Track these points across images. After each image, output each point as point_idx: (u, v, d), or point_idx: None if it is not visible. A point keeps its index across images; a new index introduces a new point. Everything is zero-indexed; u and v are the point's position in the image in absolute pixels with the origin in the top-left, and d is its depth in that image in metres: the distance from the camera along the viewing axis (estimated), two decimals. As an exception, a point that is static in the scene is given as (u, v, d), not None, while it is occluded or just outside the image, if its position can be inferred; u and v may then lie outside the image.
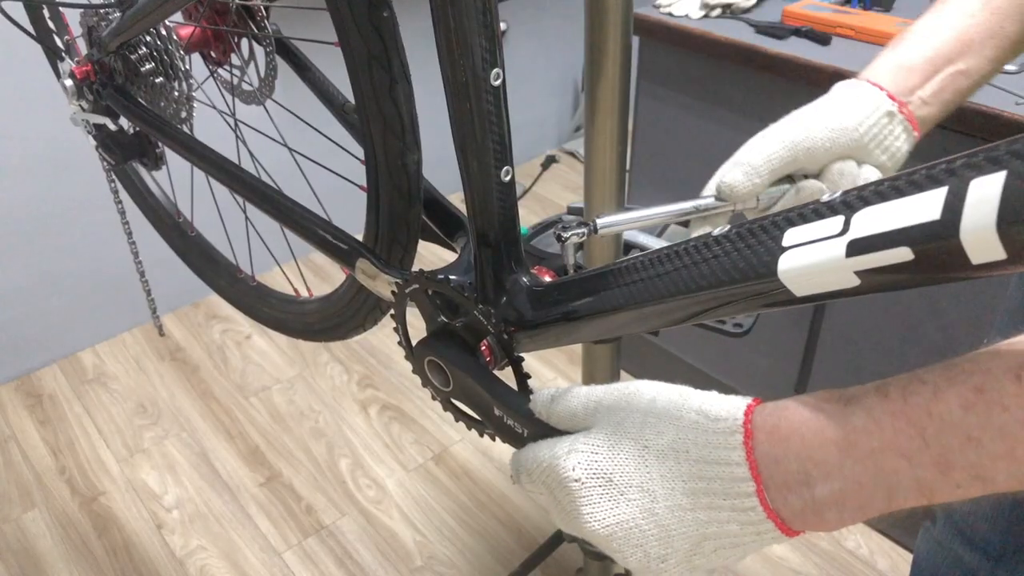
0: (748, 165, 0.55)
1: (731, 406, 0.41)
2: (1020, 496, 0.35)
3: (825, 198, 0.39)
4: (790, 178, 0.58)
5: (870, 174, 0.58)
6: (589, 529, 0.44)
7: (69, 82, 1.00)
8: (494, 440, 0.59)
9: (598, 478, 0.44)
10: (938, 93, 0.59)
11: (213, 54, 0.96)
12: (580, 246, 0.65)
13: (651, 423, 0.43)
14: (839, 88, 0.59)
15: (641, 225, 0.61)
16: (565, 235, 0.59)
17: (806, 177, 0.58)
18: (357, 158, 0.73)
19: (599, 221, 0.59)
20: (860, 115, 0.57)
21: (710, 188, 0.58)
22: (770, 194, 0.57)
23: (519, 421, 0.54)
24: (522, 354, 0.60)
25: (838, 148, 0.56)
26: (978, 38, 0.58)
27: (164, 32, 0.90)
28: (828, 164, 0.57)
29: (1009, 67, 1.22)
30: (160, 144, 1.04)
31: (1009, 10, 0.58)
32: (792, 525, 0.39)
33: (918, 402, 0.35)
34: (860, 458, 0.36)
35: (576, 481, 0.44)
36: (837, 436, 0.37)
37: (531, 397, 0.52)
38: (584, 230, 0.59)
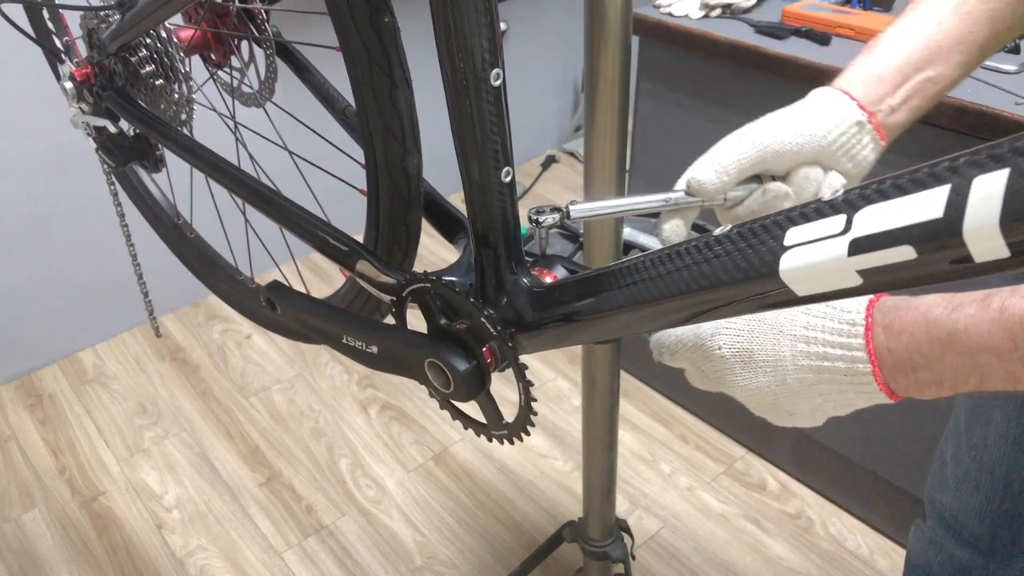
0: (718, 164, 0.58)
1: (855, 302, 0.49)
2: (1007, 492, 0.40)
3: (827, 197, 0.39)
4: (758, 178, 0.60)
5: (835, 180, 0.60)
6: (729, 387, 0.56)
7: (69, 84, 1.00)
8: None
9: (741, 354, 0.54)
10: (907, 100, 0.61)
11: (213, 57, 0.96)
12: (579, 244, 0.65)
13: (787, 313, 0.52)
14: (814, 95, 0.61)
15: (614, 214, 0.62)
16: (540, 219, 0.59)
17: (773, 179, 0.60)
18: (357, 161, 0.73)
19: (572, 208, 0.59)
20: (830, 124, 0.59)
21: (681, 183, 0.60)
22: (736, 193, 0.59)
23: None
24: (523, 355, 0.60)
25: (806, 154, 0.58)
26: (946, 44, 0.60)
27: (164, 34, 0.90)
28: (795, 168, 0.59)
29: (1009, 67, 1.22)
30: (160, 146, 1.04)
31: (978, 16, 0.60)
32: (898, 393, 0.48)
33: (1014, 313, 0.41)
34: (959, 353, 0.44)
35: (722, 357, 0.54)
36: (942, 335, 0.44)
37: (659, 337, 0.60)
38: (558, 215, 0.60)
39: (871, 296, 0.48)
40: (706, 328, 0.55)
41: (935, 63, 0.60)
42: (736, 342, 0.54)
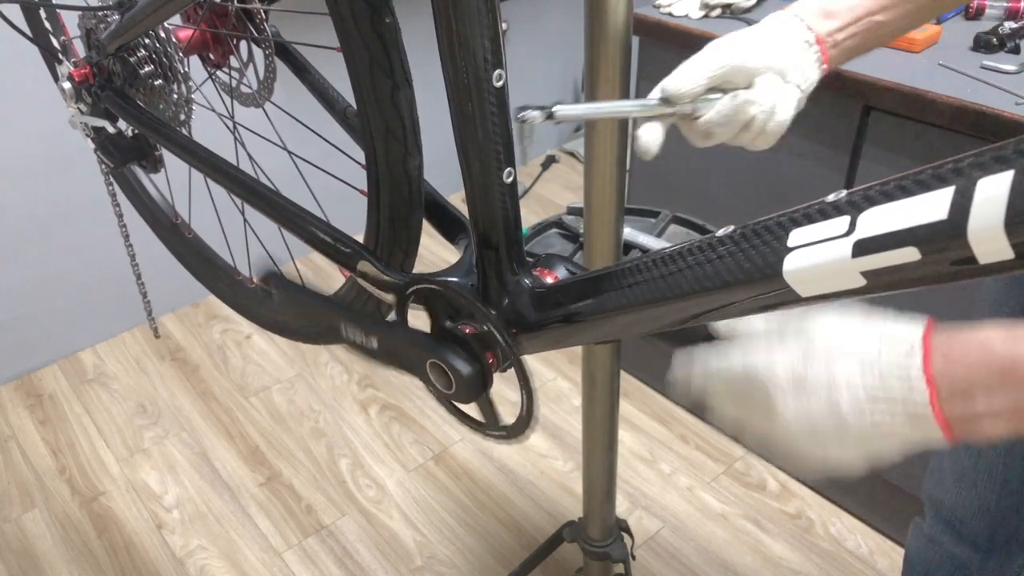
0: (690, 76, 0.62)
1: (911, 327, 0.48)
2: (1005, 490, 0.40)
3: (831, 198, 0.39)
4: (721, 90, 0.64)
5: (787, 86, 0.65)
6: (779, 415, 0.52)
7: (67, 84, 1.00)
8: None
9: (795, 378, 0.51)
10: (852, 38, 0.67)
11: (212, 57, 0.95)
12: (579, 244, 0.65)
13: (838, 337, 0.51)
14: (770, 19, 0.67)
15: (596, 116, 0.63)
16: (524, 116, 0.59)
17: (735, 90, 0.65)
18: (357, 162, 0.73)
19: (557, 108, 0.59)
20: (788, 44, 0.65)
21: (655, 92, 0.63)
22: (706, 100, 0.63)
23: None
24: (524, 355, 0.60)
25: (764, 67, 0.64)
26: None
27: (163, 35, 0.90)
28: (755, 80, 0.64)
29: (1009, 67, 1.22)
30: (159, 147, 1.04)
31: None
32: (954, 430, 0.47)
33: None
34: (1016, 382, 0.43)
35: (774, 378, 0.52)
36: (1003, 365, 0.44)
37: (691, 367, 0.57)
38: (541, 113, 0.59)
39: (925, 321, 0.48)
40: (757, 355, 0.54)
41: (886, 10, 0.66)
42: (790, 368, 0.52)
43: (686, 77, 0.62)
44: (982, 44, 1.29)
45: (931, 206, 0.33)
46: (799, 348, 0.52)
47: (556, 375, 2.00)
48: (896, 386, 0.47)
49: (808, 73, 0.66)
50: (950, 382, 0.46)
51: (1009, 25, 1.30)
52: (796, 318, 0.53)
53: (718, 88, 0.63)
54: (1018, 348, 0.44)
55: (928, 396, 0.46)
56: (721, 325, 0.57)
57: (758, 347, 0.54)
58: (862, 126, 1.29)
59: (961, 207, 0.32)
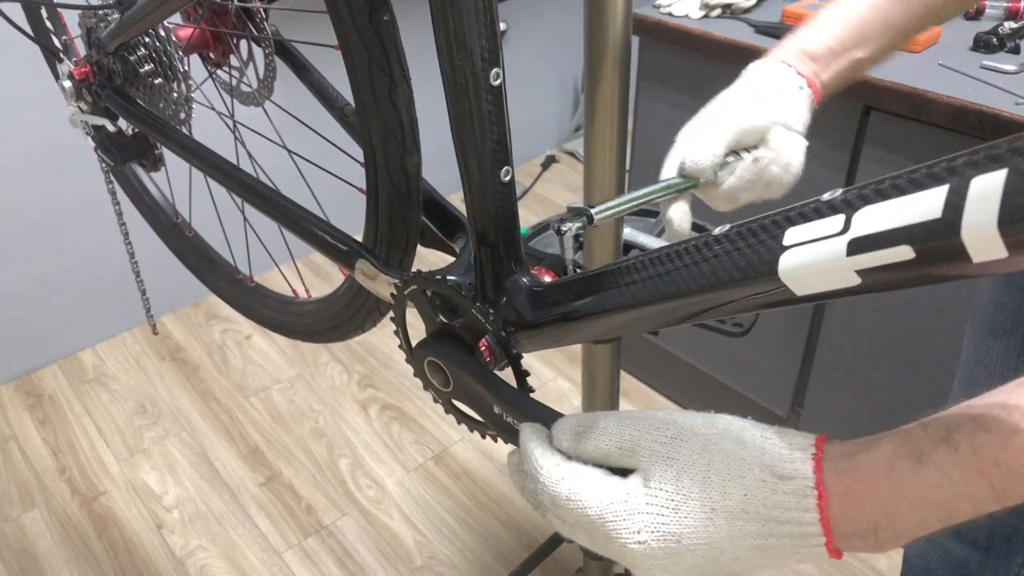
0: (707, 147, 0.62)
1: (798, 462, 0.42)
2: None
3: (825, 197, 0.39)
4: (734, 152, 0.65)
5: (795, 136, 0.66)
6: (642, 572, 0.45)
7: (68, 83, 1.00)
8: (496, 441, 0.59)
9: (665, 540, 0.43)
10: (835, 76, 0.68)
11: (212, 55, 0.95)
12: (578, 239, 0.65)
13: (715, 483, 0.43)
14: (757, 68, 0.68)
15: (630, 208, 0.62)
16: (563, 227, 0.59)
17: (748, 151, 0.65)
18: (357, 161, 0.73)
19: (594, 210, 0.59)
20: (781, 91, 0.66)
21: (670, 169, 0.64)
22: (728, 166, 0.63)
23: (519, 419, 0.54)
24: (522, 354, 0.60)
25: (770, 123, 0.65)
26: (878, 29, 0.67)
27: (163, 33, 0.90)
28: (765, 136, 0.65)
29: (1009, 67, 1.22)
30: (159, 145, 1.04)
31: (913, 3, 0.67)
32: (849, 551, 0.42)
33: (986, 454, 0.37)
34: (930, 508, 0.39)
35: (640, 544, 0.43)
36: (911, 495, 0.39)
37: (552, 431, 0.49)
38: (582, 221, 0.59)
39: (812, 448, 0.42)
40: (615, 497, 0.44)
41: (864, 45, 0.67)
42: (659, 524, 0.43)
43: (703, 151, 0.62)
44: (982, 44, 1.29)
45: (925, 205, 0.33)
46: (667, 495, 0.43)
47: (556, 375, 2.00)
48: (787, 536, 0.42)
49: (805, 117, 0.67)
50: (850, 522, 0.40)
51: (1009, 25, 1.30)
52: (652, 429, 0.46)
53: (731, 151, 0.64)
54: (926, 470, 0.39)
55: (824, 542, 0.41)
56: (562, 442, 0.48)
57: (610, 486, 0.45)
58: (862, 126, 1.29)
59: (955, 206, 0.32)
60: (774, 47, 0.70)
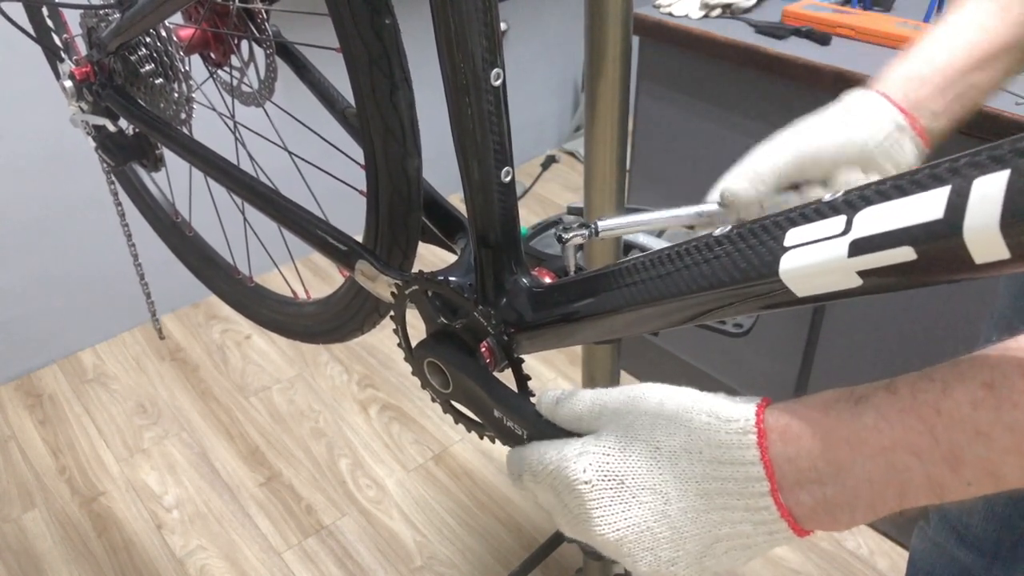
0: (753, 172, 0.55)
1: (742, 407, 0.42)
2: (1013, 494, 0.36)
3: (827, 197, 0.39)
4: (795, 186, 0.57)
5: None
6: (598, 533, 0.44)
7: (68, 83, 1.00)
8: (494, 442, 0.59)
9: (609, 480, 0.44)
10: (950, 105, 0.58)
11: (213, 56, 0.95)
12: (580, 247, 0.65)
13: (662, 425, 0.43)
14: (850, 98, 0.59)
15: (642, 229, 0.61)
16: (566, 236, 0.59)
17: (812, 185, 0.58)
18: (357, 162, 0.73)
19: (600, 223, 0.59)
20: (870, 127, 0.56)
21: (714, 194, 0.58)
22: (775, 203, 0.56)
23: (519, 423, 0.54)
24: (522, 355, 0.60)
25: (844, 158, 0.56)
26: (992, 51, 0.57)
27: (164, 33, 0.90)
28: (834, 173, 0.57)
29: (1009, 67, 1.22)
30: (159, 145, 1.04)
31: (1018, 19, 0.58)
32: (804, 524, 0.40)
33: (927, 399, 0.35)
34: (871, 455, 0.37)
35: (587, 483, 0.44)
36: (848, 434, 0.37)
37: (536, 398, 0.52)
38: (585, 232, 0.59)
39: (758, 400, 0.41)
40: (571, 447, 0.46)
41: (981, 70, 0.58)
42: (604, 464, 0.44)
43: (748, 178, 0.54)
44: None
45: (927, 206, 0.33)
46: (616, 438, 0.44)
47: (556, 375, 2.00)
48: (731, 477, 0.40)
49: (903, 161, 0.57)
50: (792, 465, 0.39)
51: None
52: (621, 394, 0.47)
53: (789, 186, 0.56)
54: (863, 409, 0.37)
55: (768, 488, 0.39)
56: (543, 405, 0.51)
57: (569, 438, 0.47)
58: (862, 127, 1.29)
59: (957, 207, 0.32)
60: (878, 73, 0.60)
